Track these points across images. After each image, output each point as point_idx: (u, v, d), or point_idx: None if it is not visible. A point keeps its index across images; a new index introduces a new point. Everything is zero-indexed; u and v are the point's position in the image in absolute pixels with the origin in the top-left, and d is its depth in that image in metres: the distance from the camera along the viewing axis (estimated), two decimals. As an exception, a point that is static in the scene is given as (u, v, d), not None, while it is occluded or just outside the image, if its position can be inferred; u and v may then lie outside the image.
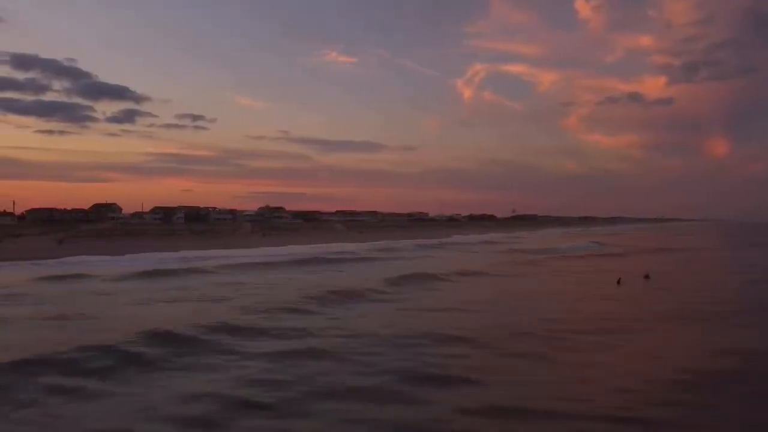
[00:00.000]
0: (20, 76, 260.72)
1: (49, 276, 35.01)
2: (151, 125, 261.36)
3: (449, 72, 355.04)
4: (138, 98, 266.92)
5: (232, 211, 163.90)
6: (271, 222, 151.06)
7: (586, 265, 49.62)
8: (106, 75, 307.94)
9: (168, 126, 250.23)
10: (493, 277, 39.23)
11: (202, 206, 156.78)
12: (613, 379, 14.26)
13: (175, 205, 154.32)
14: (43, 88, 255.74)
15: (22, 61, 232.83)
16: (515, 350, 17.21)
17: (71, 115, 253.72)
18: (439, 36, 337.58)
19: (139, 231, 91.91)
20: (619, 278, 35.35)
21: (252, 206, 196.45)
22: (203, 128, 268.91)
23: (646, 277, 36.58)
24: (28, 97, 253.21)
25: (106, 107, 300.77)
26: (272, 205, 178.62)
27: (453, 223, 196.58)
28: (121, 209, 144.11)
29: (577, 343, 18.17)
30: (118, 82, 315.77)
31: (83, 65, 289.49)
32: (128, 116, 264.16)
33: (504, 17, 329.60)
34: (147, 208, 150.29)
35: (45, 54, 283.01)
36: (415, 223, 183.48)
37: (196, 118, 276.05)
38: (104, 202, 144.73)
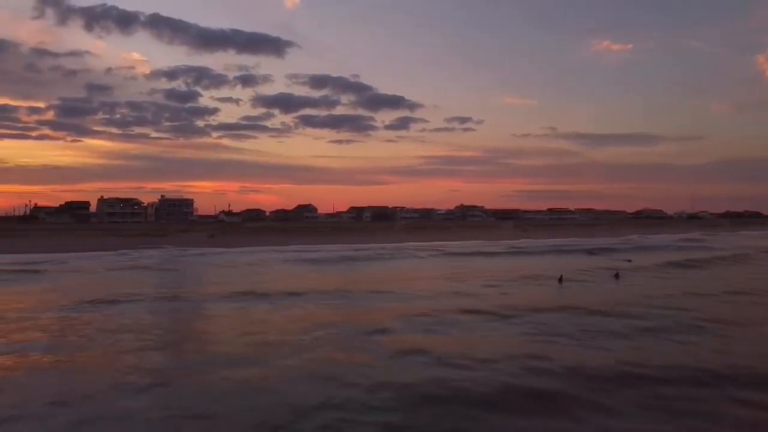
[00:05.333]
0: (316, 94, 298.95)
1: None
2: (423, 130, 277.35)
3: (743, 48, 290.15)
4: (412, 106, 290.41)
5: (427, 210, 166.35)
6: (464, 220, 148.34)
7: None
8: (383, 87, 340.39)
9: (438, 130, 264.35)
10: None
11: (390, 206, 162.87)
12: None
13: (441, 206, 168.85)
14: (334, 103, 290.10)
15: (317, 81, 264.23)
16: None
17: (356, 125, 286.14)
18: (727, 8, 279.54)
19: (284, 228, 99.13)
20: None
21: (514, 205, 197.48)
22: (471, 130, 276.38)
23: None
24: (323, 113, 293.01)
25: (384, 116, 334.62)
26: (530, 204, 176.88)
27: (691, 221, 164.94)
28: (316, 209, 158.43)
29: None
30: (394, 92, 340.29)
31: (365, 80, 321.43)
32: (403, 123, 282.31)
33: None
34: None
35: (335, 73, 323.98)
36: (636, 221, 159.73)
37: (463, 120, 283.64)
38: (306, 203, 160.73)
